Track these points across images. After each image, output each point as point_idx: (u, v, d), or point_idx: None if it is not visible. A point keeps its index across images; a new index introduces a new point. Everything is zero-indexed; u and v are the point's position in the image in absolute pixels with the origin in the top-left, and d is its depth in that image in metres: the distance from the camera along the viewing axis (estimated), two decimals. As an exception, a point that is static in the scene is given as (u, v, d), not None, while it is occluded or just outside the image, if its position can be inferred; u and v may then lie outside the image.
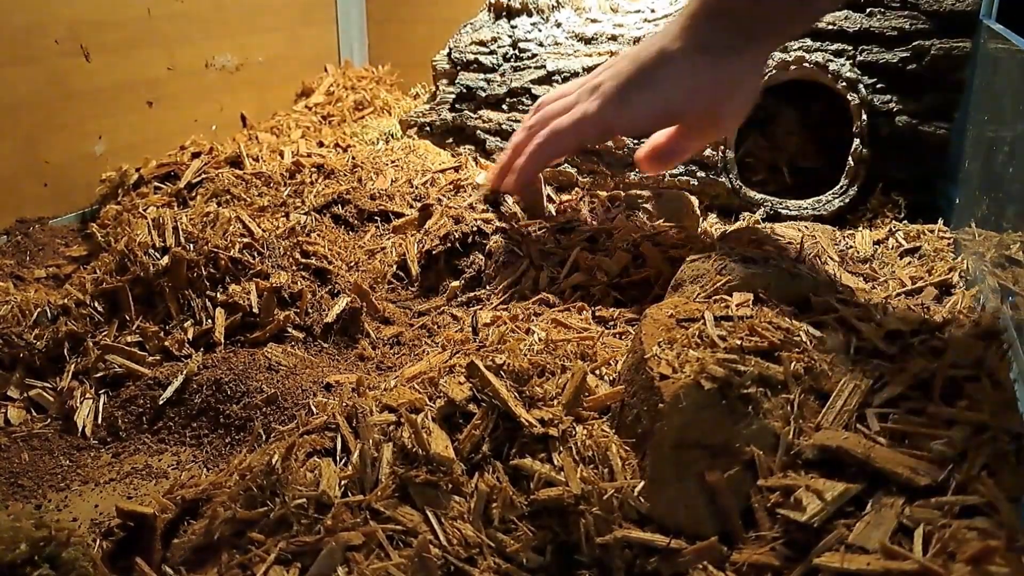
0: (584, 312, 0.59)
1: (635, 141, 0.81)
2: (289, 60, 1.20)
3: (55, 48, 0.85)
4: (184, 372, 0.55)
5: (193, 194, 0.79)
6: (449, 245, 0.67)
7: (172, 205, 0.78)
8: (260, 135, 1.06)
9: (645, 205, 0.72)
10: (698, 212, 0.76)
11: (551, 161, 0.67)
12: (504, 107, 0.89)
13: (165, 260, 0.60)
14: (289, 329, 0.60)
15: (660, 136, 0.62)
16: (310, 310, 0.61)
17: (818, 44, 0.77)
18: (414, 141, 0.89)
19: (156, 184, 0.85)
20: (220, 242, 0.62)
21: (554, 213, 0.73)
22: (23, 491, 0.49)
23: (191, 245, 0.61)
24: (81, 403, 0.55)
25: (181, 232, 0.62)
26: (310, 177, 0.78)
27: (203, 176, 0.81)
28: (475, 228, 0.67)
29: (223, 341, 0.58)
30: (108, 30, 0.90)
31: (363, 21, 1.33)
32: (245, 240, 0.63)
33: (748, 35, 0.52)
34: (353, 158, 0.82)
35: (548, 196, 0.75)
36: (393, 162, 0.81)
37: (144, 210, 0.77)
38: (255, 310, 0.59)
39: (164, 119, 0.99)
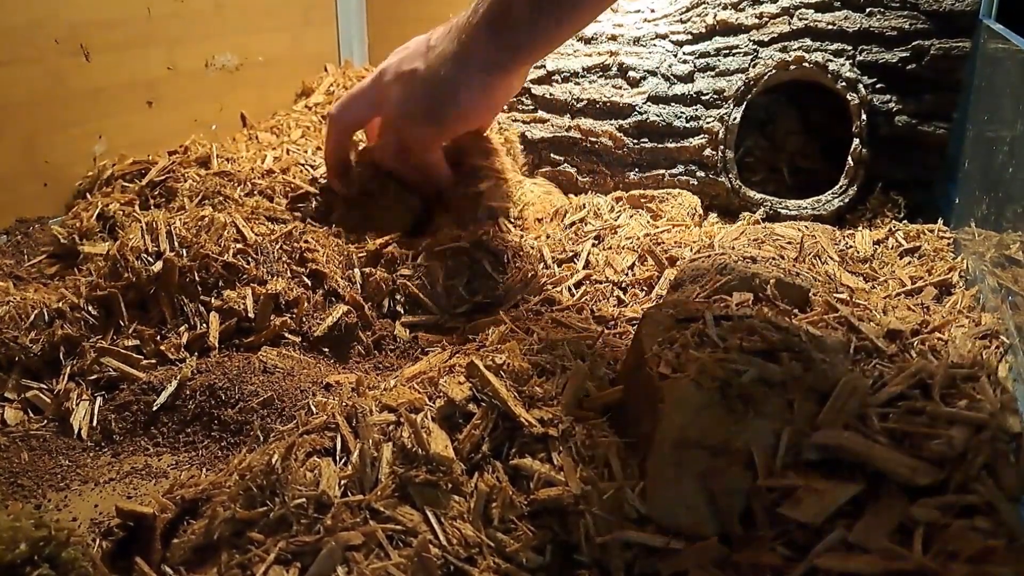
0: (584, 312, 0.59)
1: (634, 141, 0.81)
2: (289, 60, 1.20)
3: (55, 48, 0.85)
4: (178, 377, 0.55)
5: (156, 192, 0.79)
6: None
7: (134, 204, 0.77)
8: (260, 135, 1.06)
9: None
10: (692, 212, 0.76)
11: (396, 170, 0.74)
12: (504, 107, 0.89)
13: (158, 266, 0.59)
14: (285, 334, 0.60)
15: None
16: (305, 318, 0.61)
17: (818, 44, 0.77)
18: None
19: (123, 183, 0.85)
20: (214, 248, 0.61)
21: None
22: (23, 491, 0.49)
23: (184, 250, 0.61)
24: (77, 405, 0.55)
25: (175, 237, 0.62)
26: (280, 179, 0.78)
27: (168, 175, 0.81)
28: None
29: (218, 346, 0.58)
30: (108, 30, 0.90)
31: (363, 21, 1.32)
32: (239, 246, 0.63)
33: (524, 51, 0.62)
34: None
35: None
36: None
37: (106, 207, 0.76)
38: (250, 315, 0.59)
39: (164, 119, 0.99)
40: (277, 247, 0.65)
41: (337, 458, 0.40)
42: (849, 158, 0.74)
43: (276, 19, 1.16)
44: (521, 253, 0.66)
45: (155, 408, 0.54)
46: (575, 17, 0.60)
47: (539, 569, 0.36)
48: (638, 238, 0.71)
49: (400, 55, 0.70)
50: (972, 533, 0.32)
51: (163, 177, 0.80)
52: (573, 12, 0.60)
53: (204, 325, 0.59)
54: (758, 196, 0.77)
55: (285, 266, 0.64)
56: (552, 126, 0.85)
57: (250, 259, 0.63)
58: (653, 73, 0.82)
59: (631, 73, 0.82)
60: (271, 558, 0.36)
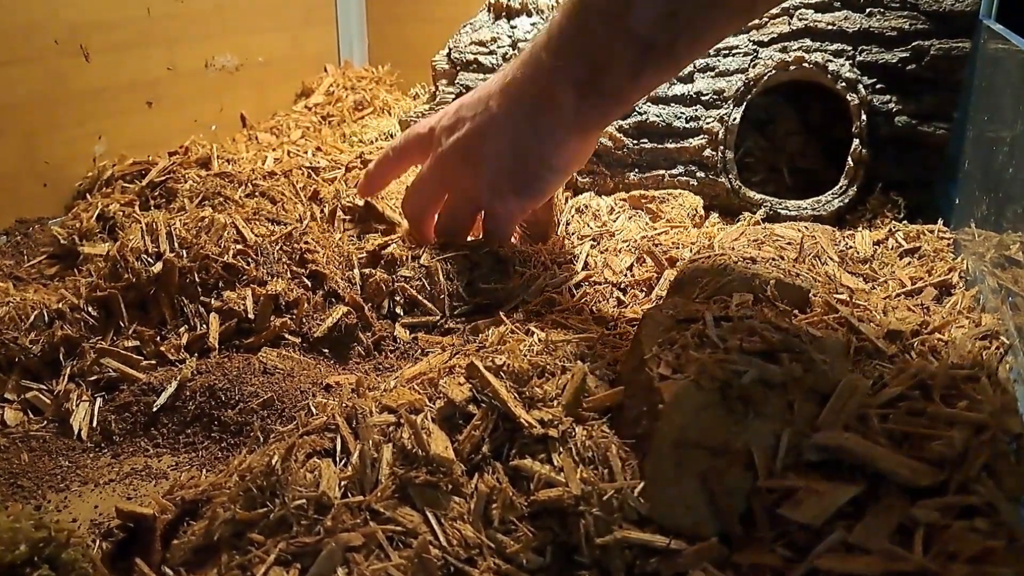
0: (584, 312, 0.59)
1: (633, 141, 0.81)
2: (289, 60, 1.20)
3: (55, 48, 0.85)
4: (178, 378, 0.55)
5: (156, 193, 0.79)
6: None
7: (134, 204, 0.77)
8: (260, 135, 1.06)
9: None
10: (692, 212, 0.76)
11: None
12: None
13: (158, 267, 0.59)
14: (285, 335, 0.60)
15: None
16: (305, 319, 0.61)
17: (818, 44, 0.77)
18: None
19: (123, 184, 0.85)
20: (214, 248, 0.61)
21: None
22: (22, 492, 0.49)
23: (184, 251, 0.61)
24: (77, 406, 0.55)
25: (175, 237, 0.62)
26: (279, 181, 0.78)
27: (168, 176, 0.81)
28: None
29: (218, 347, 0.58)
30: (108, 30, 0.90)
31: (363, 21, 1.32)
32: (239, 247, 0.63)
33: (609, 109, 0.57)
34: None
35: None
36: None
37: (106, 208, 0.76)
38: (250, 316, 0.59)
39: (164, 119, 0.99)
40: (277, 248, 0.65)
41: (337, 459, 0.40)
42: (849, 158, 0.74)
43: (276, 19, 1.16)
44: (521, 255, 0.66)
45: (155, 409, 0.54)
46: (677, 68, 0.56)
47: (539, 570, 0.36)
48: (636, 240, 0.71)
49: (455, 123, 0.62)
50: (972, 534, 0.32)
51: (163, 178, 0.80)
52: (678, 64, 0.55)
53: (204, 326, 0.59)
54: (758, 197, 0.77)
55: (285, 267, 0.64)
56: (552, 126, 0.84)
57: (250, 260, 0.63)
58: (653, 73, 0.82)
59: (631, 73, 0.82)
60: (271, 559, 0.36)
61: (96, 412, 0.55)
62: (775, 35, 0.78)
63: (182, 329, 0.59)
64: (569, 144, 0.58)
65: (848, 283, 0.60)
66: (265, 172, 0.79)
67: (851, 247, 0.68)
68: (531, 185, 0.61)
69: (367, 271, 0.65)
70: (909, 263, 0.65)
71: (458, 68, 0.93)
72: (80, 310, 0.59)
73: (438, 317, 0.63)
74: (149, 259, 0.61)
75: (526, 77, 0.57)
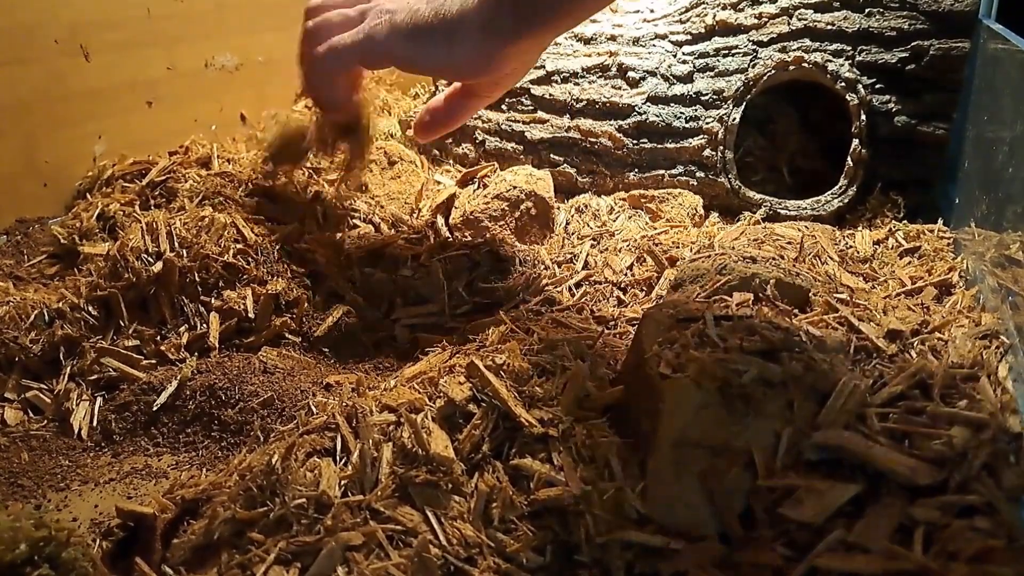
0: (584, 312, 0.59)
1: (633, 141, 0.81)
2: (289, 60, 1.19)
3: (55, 48, 0.85)
4: (178, 377, 0.55)
5: (156, 193, 0.79)
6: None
7: (134, 204, 0.77)
8: (260, 135, 1.06)
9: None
10: (692, 212, 0.76)
11: (332, 77, 0.64)
12: (503, 107, 0.89)
13: (158, 266, 0.59)
14: (286, 335, 0.60)
15: (437, 101, 0.66)
16: (305, 319, 0.61)
17: (817, 44, 0.77)
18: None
19: (123, 184, 0.85)
20: (214, 248, 0.61)
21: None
22: (23, 491, 0.49)
23: (184, 251, 0.61)
24: (77, 405, 0.55)
25: (175, 237, 0.62)
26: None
27: (168, 176, 0.81)
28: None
29: (218, 346, 0.58)
30: (108, 30, 0.90)
31: (363, 21, 1.32)
32: (239, 246, 0.63)
33: (529, 23, 0.54)
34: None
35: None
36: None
37: (106, 207, 0.76)
38: (250, 315, 0.59)
39: (164, 119, 0.99)
40: (277, 247, 0.65)
41: (337, 458, 0.40)
42: (849, 158, 0.74)
43: (276, 19, 1.16)
44: (521, 254, 0.66)
45: (155, 408, 0.54)
46: None
47: (539, 569, 0.36)
48: (636, 240, 0.71)
49: None
50: (972, 533, 0.32)
51: (163, 177, 0.80)
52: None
53: (204, 325, 0.59)
54: (758, 196, 0.77)
55: (285, 266, 0.64)
56: (551, 126, 0.85)
57: (250, 259, 0.63)
58: (652, 73, 0.82)
59: (630, 73, 0.82)
60: (271, 558, 0.36)
61: (96, 411, 0.55)
62: (775, 35, 0.78)
63: (182, 328, 0.59)
64: (474, 42, 0.56)
65: (848, 283, 0.60)
66: (265, 171, 0.78)
67: (851, 247, 0.68)
68: (416, 40, 0.58)
69: (367, 270, 0.65)
70: (909, 263, 0.65)
71: (458, 68, 0.93)
72: (80, 309, 0.60)
73: (438, 317, 0.63)
74: (149, 259, 0.61)
75: None
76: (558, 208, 0.78)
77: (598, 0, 0.54)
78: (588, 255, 0.69)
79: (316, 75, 0.64)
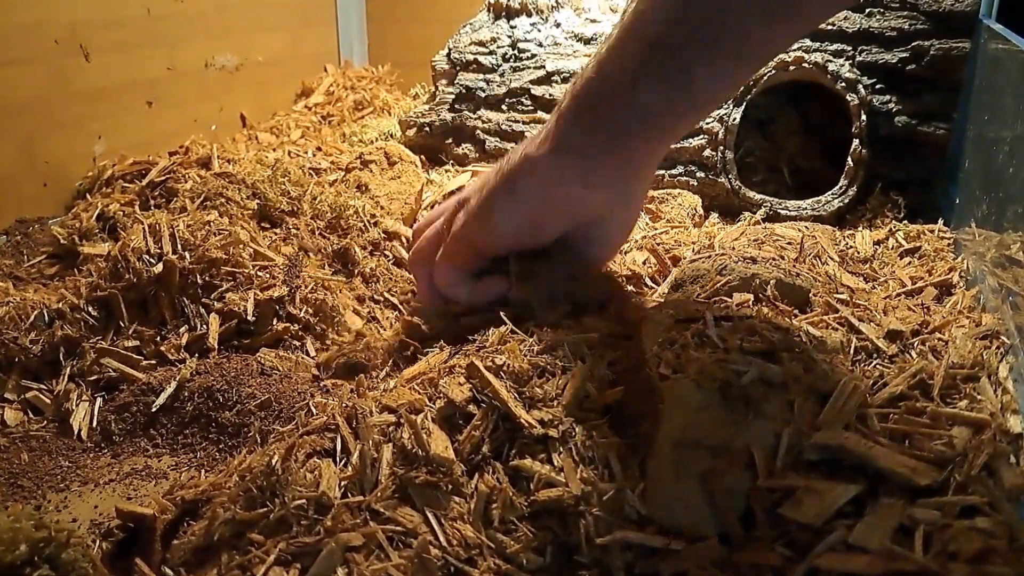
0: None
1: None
2: (289, 60, 1.20)
3: (55, 48, 0.85)
4: (177, 379, 0.55)
5: (156, 193, 0.79)
6: None
7: (134, 204, 0.77)
8: (260, 135, 1.06)
9: None
10: (692, 212, 0.76)
11: (454, 291, 0.55)
12: (503, 107, 0.89)
13: (159, 267, 0.59)
14: (286, 338, 0.60)
15: None
16: (308, 323, 0.61)
17: (817, 44, 0.77)
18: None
19: (123, 184, 0.85)
20: (216, 250, 0.61)
21: None
22: (23, 492, 0.49)
23: (187, 253, 0.61)
24: (77, 406, 0.55)
25: (178, 239, 0.62)
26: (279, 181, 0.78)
27: (168, 176, 0.81)
28: None
29: (217, 347, 0.58)
30: (108, 30, 0.90)
31: (363, 21, 1.33)
32: (241, 249, 0.63)
33: (618, 133, 0.44)
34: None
35: None
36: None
37: (106, 207, 0.76)
38: (250, 317, 0.59)
39: (164, 119, 0.99)
40: (279, 250, 0.65)
41: (337, 459, 0.40)
42: (849, 158, 0.74)
43: (276, 19, 1.16)
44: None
45: (154, 409, 0.54)
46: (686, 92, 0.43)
47: (539, 570, 0.36)
48: (636, 240, 0.71)
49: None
50: (973, 533, 0.32)
51: (163, 178, 0.80)
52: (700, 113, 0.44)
53: (204, 326, 0.59)
54: (758, 197, 0.76)
55: (285, 268, 0.64)
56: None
57: (252, 262, 0.63)
58: (653, 73, 0.82)
59: (631, 73, 0.82)
60: (271, 559, 0.36)
61: (96, 412, 0.55)
62: (775, 35, 0.78)
63: (182, 329, 0.59)
64: (545, 177, 0.47)
65: (848, 283, 0.60)
66: (267, 174, 0.79)
67: (851, 247, 0.68)
68: (492, 208, 0.50)
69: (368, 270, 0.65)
70: (909, 263, 0.65)
71: (458, 68, 0.93)
72: (80, 310, 0.60)
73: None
74: (150, 259, 0.61)
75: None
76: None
77: (708, 96, 0.44)
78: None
79: (439, 294, 0.55)
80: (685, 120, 0.46)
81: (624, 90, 0.42)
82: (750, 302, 0.52)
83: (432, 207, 0.74)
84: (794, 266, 0.60)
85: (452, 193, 0.65)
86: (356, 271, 0.69)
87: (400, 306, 0.65)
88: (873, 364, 0.44)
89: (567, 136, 0.45)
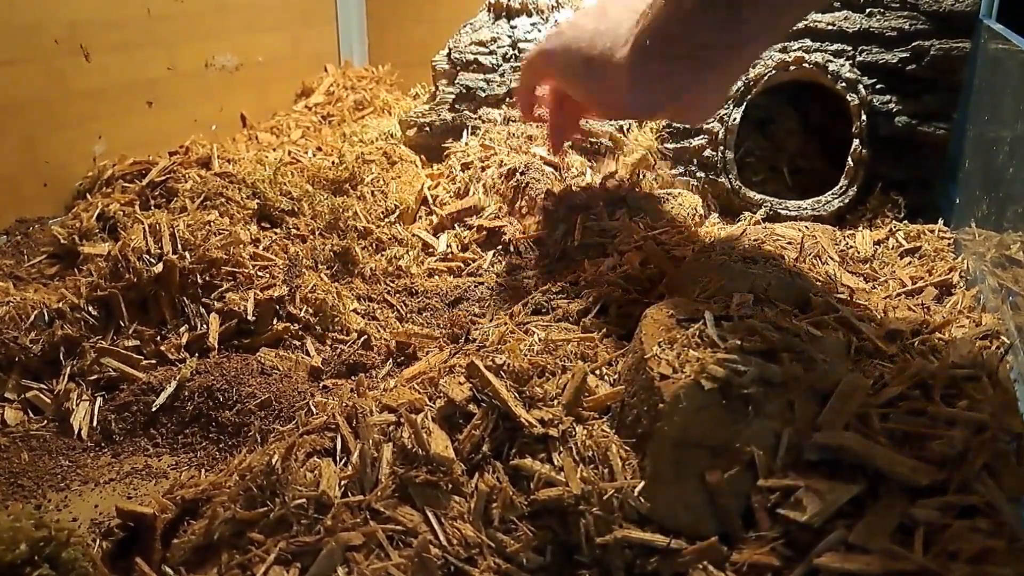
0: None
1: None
2: (289, 60, 1.20)
3: (55, 48, 0.85)
4: (177, 378, 0.55)
5: (156, 193, 0.79)
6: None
7: (134, 204, 0.77)
8: (260, 135, 1.06)
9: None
10: (692, 212, 0.76)
11: (524, 87, 0.66)
12: (504, 107, 0.89)
13: (159, 267, 0.60)
14: (286, 337, 0.60)
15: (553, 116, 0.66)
16: (308, 323, 0.61)
17: (818, 44, 0.77)
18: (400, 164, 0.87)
19: (123, 184, 0.85)
20: (216, 250, 0.61)
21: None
22: (23, 491, 0.49)
23: (188, 252, 0.61)
24: (77, 405, 0.55)
25: (178, 239, 0.62)
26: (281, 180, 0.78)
27: (168, 176, 0.81)
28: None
29: (217, 346, 0.58)
30: (108, 30, 0.90)
31: (363, 21, 1.32)
32: (242, 249, 0.63)
33: (700, 56, 0.51)
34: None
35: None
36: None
37: (106, 207, 0.76)
38: (250, 317, 0.59)
39: (164, 119, 0.99)
40: (279, 250, 0.65)
41: (337, 458, 0.40)
42: (849, 158, 0.74)
43: (276, 19, 1.16)
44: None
45: (154, 409, 0.54)
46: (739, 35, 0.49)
47: (539, 569, 0.36)
48: (636, 240, 0.70)
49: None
50: (973, 533, 0.32)
51: (163, 178, 0.80)
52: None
53: (204, 326, 0.59)
54: (758, 197, 0.76)
55: (285, 269, 0.64)
56: (552, 126, 0.84)
57: (253, 263, 0.63)
58: (653, 73, 0.81)
59: (631, 73, 0.82)
60: (271, 558, 0.36)
61: (96, 411, 0.55)
62: (775, 35, 0.78)
63: (182, 329, 0.59)
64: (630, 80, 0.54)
65: (848, 283, 0.60)
66: (267, 174, 0.79)
67: (851, 247, 0.68)
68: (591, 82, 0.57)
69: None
70: (909, 263, 0.65)
71: (458, 68, 0.93)
72: (80, 310, 0.60)
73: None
74: (151, 259, 0.61)
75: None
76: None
77: (739, 47, 0.50)
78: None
79: (520, 87, 0.66)
80: (745, 53, 0.52)
81: (693, 20, 0.49)
82: (750, 302, 0.52)
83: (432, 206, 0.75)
84: (794, 266, 0.60)
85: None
86: (356, 271, 0.69)
87: (398, 306, 0.65)
88: (873, 364, 0.44)
89: (646, 55, 0.52)
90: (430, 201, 0.80)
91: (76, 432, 0.54)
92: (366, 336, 0.61)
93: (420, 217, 0.79)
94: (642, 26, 0.53)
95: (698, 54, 0.51)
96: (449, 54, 0.94)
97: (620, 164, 0.77)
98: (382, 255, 0.71)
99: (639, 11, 0.54)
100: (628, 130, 0.81)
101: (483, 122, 0.89)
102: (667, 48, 0.52)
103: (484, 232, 0.72)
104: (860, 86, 0.74)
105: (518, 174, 0.74)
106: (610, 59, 0.55)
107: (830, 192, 0.75)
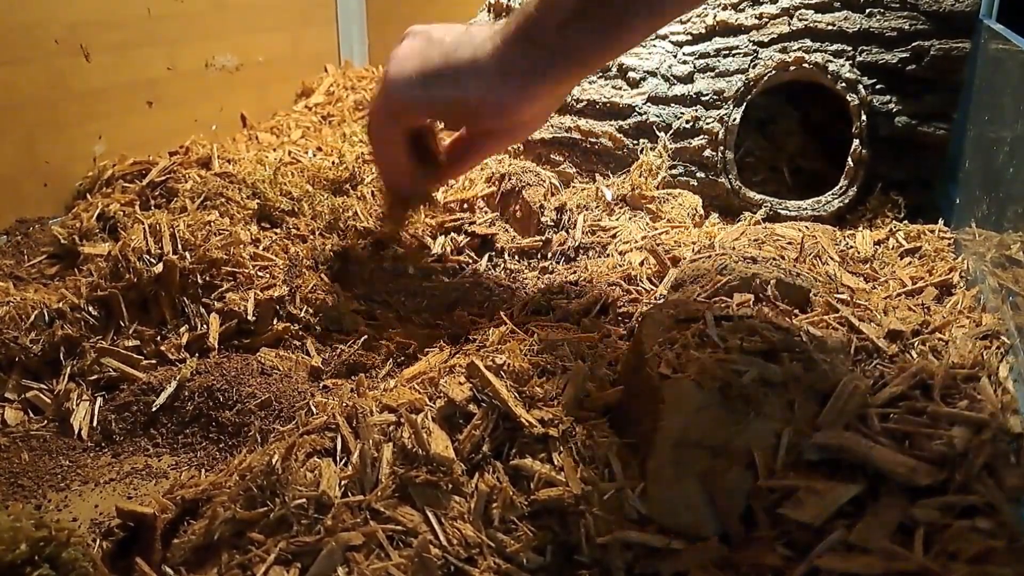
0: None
1: (633, 141, 0.81)
2: (289, 60, 1.20)
3: (55, 48, 0.85)
4: (177, 378, 0.55)
5: (156, 193, 0.79)
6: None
7: (134, 204, 0.77)
8: (260, 135, 1.06)
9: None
10: (693, 212, 0.76)
11: (382, 149, 0.65)
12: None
13: (159, 267, 0.59)
14: (286, 337, 0.60)
15: (459, 138, 0.65)
16: (309, 323, 0.61)
17: (818, 45, 0.77)
18: None
19: (123, 184, 0.85)
20: (216, 250, 0.61)
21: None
22: (23, 491, 0.49)
23: (188, 253, 0.61)
24: (77, 405, 0.55)
25: (178, 239, 0.62)
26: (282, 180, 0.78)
27: (168, 176, 0.81)
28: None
29: (217, 346, 0.58)
30: (108, 30, 0.90)
31: (363, 21, 1.32)
32: (242, 249, 0.63)
33: (550, 62, 0.54)
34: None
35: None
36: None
37: (106, 207, 0.76)
38: (251, 317, 0.59)
39: (164, 119, 0.99)
40: (279, 250, 0.65)
41: (337, 458, 0.40)
42: (849, 159, 0.74)
43: (276, 19, 1.16)
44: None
45: (154, 409, 0.54)
46: (616, 40, 0.53)
47: (539, 569, 0.36)
48: (637, 240, 0.71)
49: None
50: (973, 534, 0.32)
51: (164, 178, 0.80)
52: (613, 34, 0.52)
53: (204, 326, 0.59)
54: (758, 197, 0.77)
55: (285, 269, 0.64)
56: (552, 126, 0.85)
57: (253, 263, 0.63)
58: (653, 74, 0.82)
59: (631, 74, 0.82)
60: (271, 558, 0.36)
61: (96, 412, 0.55)
62: (775, 35, 0.78)
63: (182, 329, 0.59)
64: (489, 86, 0.56)
65: (849, 283, 0.60)
66: (267, 174, 0.78)
67: (852, 247, 0.68)
68: (434, 82, 0.58)
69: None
70: (910, 263, 0.65)
71: (458, 68, 0.93)
72: (80, 310, 0.59)
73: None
74: (151, 259, 0.61)
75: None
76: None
77: (612, 49, 0.54)
78: (589, 254, 0.69)
79: (372, 147, 0.65)
80: (603, 57, 0.56)
81: (559, 30, 0.52)
82: (750, 302, 0.52)
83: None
84: (794, 266, 0.60)
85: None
86: (356, 271, 0.69)
87: (397, 308, 0.65)
88: (873, 364, 0.44)
89: (511, 57, 0.55)
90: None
91: (76, 432, 0.54)
92: (366, 336, 0.61)
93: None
94: (506, 30, 0.55)
95: (570, 54, 0.53)
96: (449, 54, 0.94)
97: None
98: (382, 255, 0.71)
99: (480, 29, 0.58)
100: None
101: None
102: (533, 49, 0.54)
103: (477, 239, 0.72)
104: (860, 86, 0.74)
105: (509, 179, 0.75)
106: (477, 65, 0.56)
107: (830, 192, 0.75)
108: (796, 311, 0.53)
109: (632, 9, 0.51)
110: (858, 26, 0.75)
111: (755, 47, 0.79)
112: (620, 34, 0.52)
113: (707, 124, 0.78)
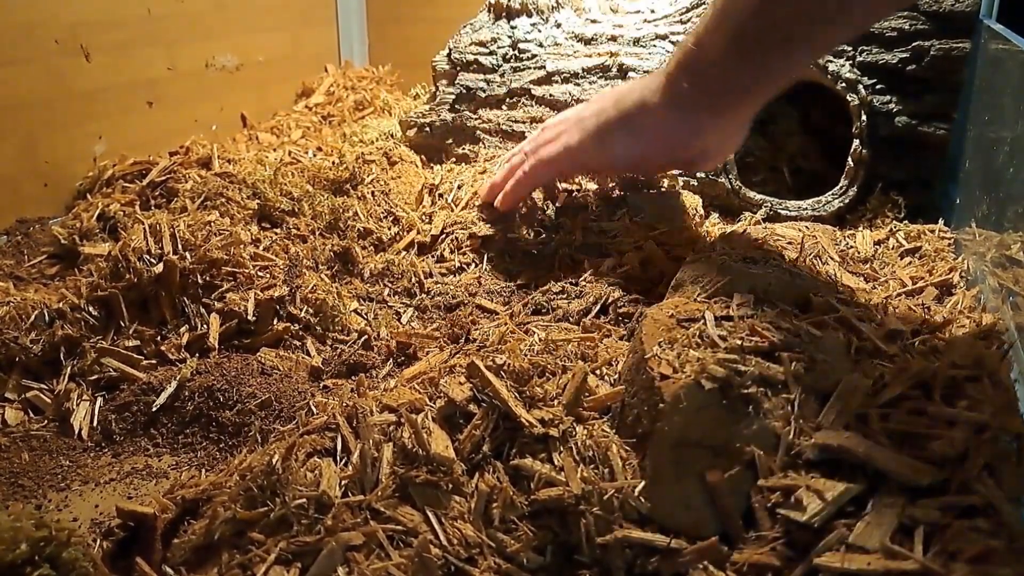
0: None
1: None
2: (289, 60, 1.20)
3: (55, 48, 0.85)
4: (177, 378, 0.55)
5: (156, 193, 0.79)
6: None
7: (134, 204, 0.77)
8: (260, 135, 1.06)
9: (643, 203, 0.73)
10: (693, 212, 0.76)
11: (532, 189, 0.71)
12: (504, 107, 0.89)
13: (159, 267, 0.60)
14: (286, 337, 0.60)
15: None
16: (309, 323, 0.61)
17: (818, 44, 0.77)
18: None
19: (123, 184, 0.85)
20: (217, 251, 0.61)
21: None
22: (23, 491, 0.49)
23: (188, 253, 0.61)
24: (77, 405, 0.55)
25: (179, 239, 0.62)
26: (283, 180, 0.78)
27: (168, 176, 0.81)
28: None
29: (217, 346, 0.58)
30: (108, 30, 0.90)
31: (363, 21, 1.33)
32: (242, 250, 0.63)
33: (721, 97, 0.56)
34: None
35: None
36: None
37: (106, 207, 0.76)
38: (251, 317, 0.59)
39: (164, 119, 0.99)
40: (279, 250, 0.65)
41: (338, 458, 0.40)
42: (849, 159, 0.74)
43: (276, 19, 1.16)
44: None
45: (154, 409, 0.54)
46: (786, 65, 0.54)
47: (540, 569, 0.36)
48: (636, 240, 0.70)
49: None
50: (973, 534, 0.32)
51: (164, 178, 0.80)
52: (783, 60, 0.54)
53: (204, 326, 0.59)
54: (758, 197, 0.76)
55: (286, 269, 0.64)
56: (552, 126, 0.84)
57: (253, 263, 0.63)
58: (653, 73, 0.82)
59: (631, 74, 0.82)
60: (271, 558, 0.36)
61: (96, 412, 0.55)
62: (775, 35, 0.78)
63: (183, 329, 0.59)
64: (660, 125, 0.59)
65: (849, 283, 0.60)
66: (267, 174, 0.79)
67: (852, 247, 0.68)
68: (610, 137, 0.62)
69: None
70: (910, 263, 0.65)
71: (458, 68, 0.93)
72: (81, 310, 0.60)
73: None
74: (151, 259, 0.61)
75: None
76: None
77: (785, 74, 0.55)
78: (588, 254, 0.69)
79: (516, 188, 0.69)
80: (768, 89, 0.57)
81: (717, 66, 0.54)
82: (750, 302, 0.52)
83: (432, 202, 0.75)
84: (794, 266, 0.60)
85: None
86: (356, 271, 0.69)
87: (396, 307, 0.65)
88: (873, 364, 0.44)
89: (677, 94, 0.57)
90: (428, 203, 0.80)
91: (76, 432, 0.54)
92: (366, 336, 0.61)
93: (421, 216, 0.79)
94: (669, 69, 0.57)
95: (722, 95, 0.56)
96: (449, 54, 0.94)
97: None
98: (382, 255, 0.71)
99: (630, 85, 0.61)
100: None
101: (483, 123, 0.89)
102: (697, 82, 0.55)
103: (478, 240, 0.72)
104: (860, 86, 0.74)
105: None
106: (646, 105, 0.59)
107: (830, 192, 0.75)
108: (796, 311, 0.53)
109: (793, 39, 0.52)
110: (858, 26, 0.75)
111: (755, 47, 0.79)
112: (778, 64, 0.54)
113: (707, 124, 0.78)
